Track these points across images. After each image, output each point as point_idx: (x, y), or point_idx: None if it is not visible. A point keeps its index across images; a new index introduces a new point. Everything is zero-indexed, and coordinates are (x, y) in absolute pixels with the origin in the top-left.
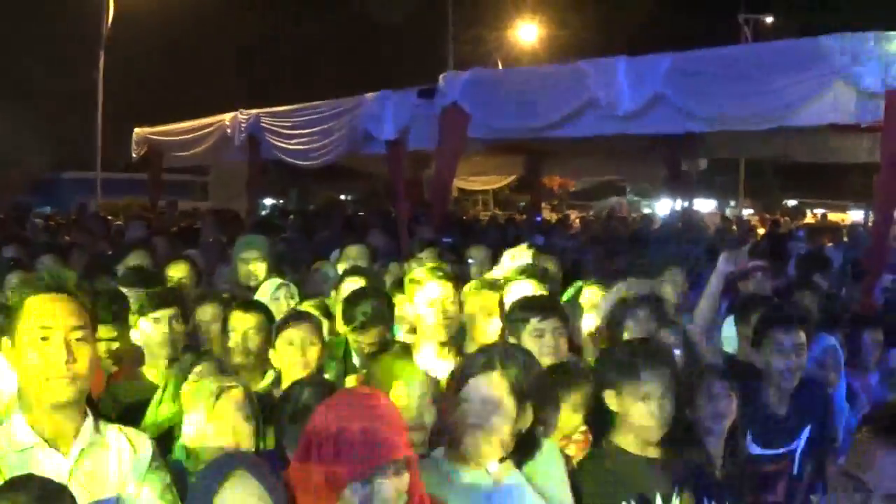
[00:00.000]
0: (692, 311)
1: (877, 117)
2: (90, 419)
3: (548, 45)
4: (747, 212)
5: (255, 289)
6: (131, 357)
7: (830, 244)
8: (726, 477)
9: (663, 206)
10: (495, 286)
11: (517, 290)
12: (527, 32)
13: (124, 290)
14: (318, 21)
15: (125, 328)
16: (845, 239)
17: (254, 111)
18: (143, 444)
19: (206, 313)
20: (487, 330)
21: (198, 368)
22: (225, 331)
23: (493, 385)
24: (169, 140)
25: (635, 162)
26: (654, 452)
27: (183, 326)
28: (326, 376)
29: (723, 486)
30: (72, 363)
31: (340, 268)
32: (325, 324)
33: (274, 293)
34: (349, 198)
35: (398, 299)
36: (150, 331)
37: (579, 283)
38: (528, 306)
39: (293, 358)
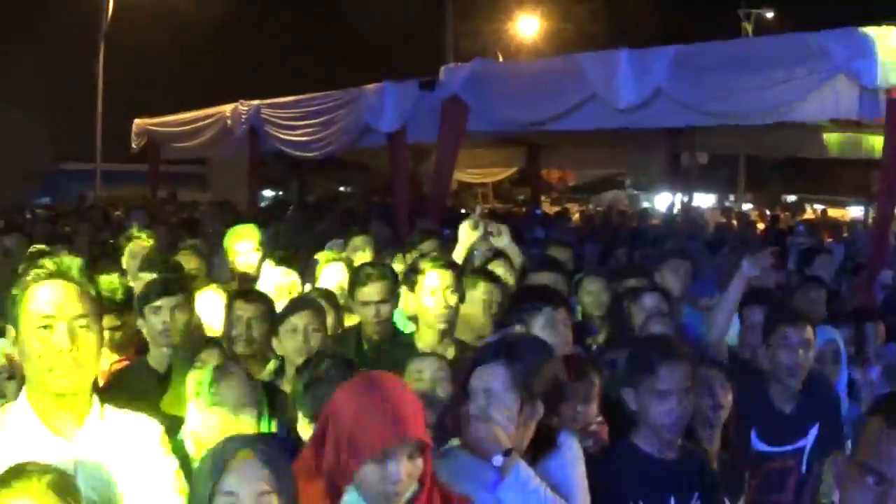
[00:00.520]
0: (693, 302)
1: (878, 113)
2: (97, 405)
3: (548, 39)
4: (747, 207)
5: (253, 278)
6: (134, 345)
7: (830, 240)
8: (721, 470)
9: (662, 201)
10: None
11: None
12: (527, 25)
13: (143, 275)
14: (319, 13)
15: (128, 316)
16: (845, 235)
17: (254, 102)
18: (150, 430)
19: (207, 302)
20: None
21: (202, 356)
22: (228, 320)
23: (497, 377)
24: (169, 131)
25: (635, 155)
26: (670, 454)
27: (186, 316)
28: None
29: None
30: (75, 352)
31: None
32: (332, 314)
33: (280, 280)
34: (348, 190)
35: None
36: (151, 319)
37: (578, 275)
38: (540, 296)
39: (296, 345)
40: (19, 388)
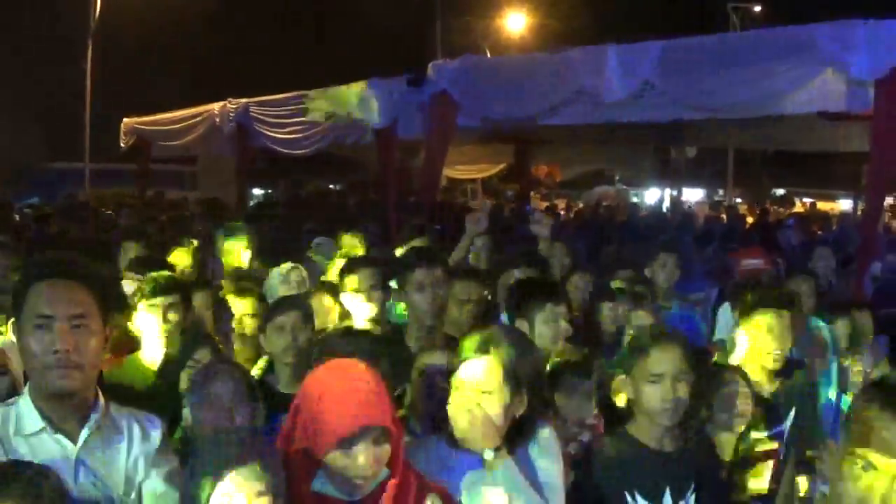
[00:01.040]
0: (683, 297)
1: (866, 106)
2: (100, 403)
3: (536, 34)
4: (736, 201)
5: (245, 275)
6: (126, 344)
7: (820, 232)
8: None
9: (651, 196)
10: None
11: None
12: (515, 21)
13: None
14: (308, 10)
15: (121, 315)
16: (834, 228)
17: (243, 100)
18: (153, 429)
19: (199, 300)
20: None
21: (196, 355)
22: (219, 317)
23: (487, 369)
24: (157, 130)
25: (624, 150)
26: (668, 446)
27: (178, 315)
28: None
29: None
30: (72, 353)
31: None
32: (336, 307)
33: (285, 277)
34: (337, 187)
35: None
36: (144, 318)
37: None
38: (543, 290)
39: (284, 343)
40: (11, 385)
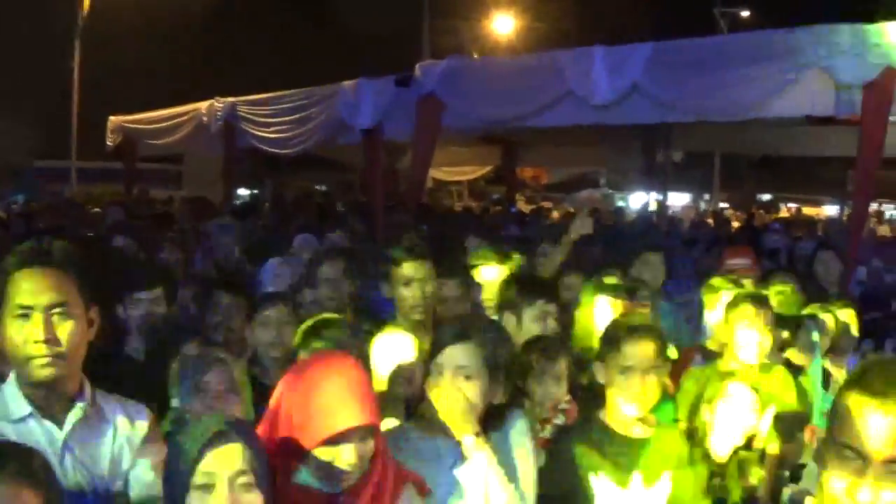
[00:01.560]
0: (669, 299)
1: (853, 110)
2: (87, 390)
3: (524, 37)
4: (722, 206)
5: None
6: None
7: (803, 237)
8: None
9: (637, 200)
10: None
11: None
12: (503, 24)
13: None
14: (295, 9)
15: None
16: (820, 233)
17: (230, 99)
18: (141, 418)
19: (187, 295)
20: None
21: (184, 348)
22: (206, 310)
23: (467, 355)
24: (144, 128)
25: (611, 153)
26: (639, 433)
27: (163, 308)
28: None
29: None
30: (53, 343)
31: None
32: None
33: (277, 271)
34: (323, 188)
35: None
36: (131, 311)
37: None
38: (533, 287)
39: (268, 338)
40: None
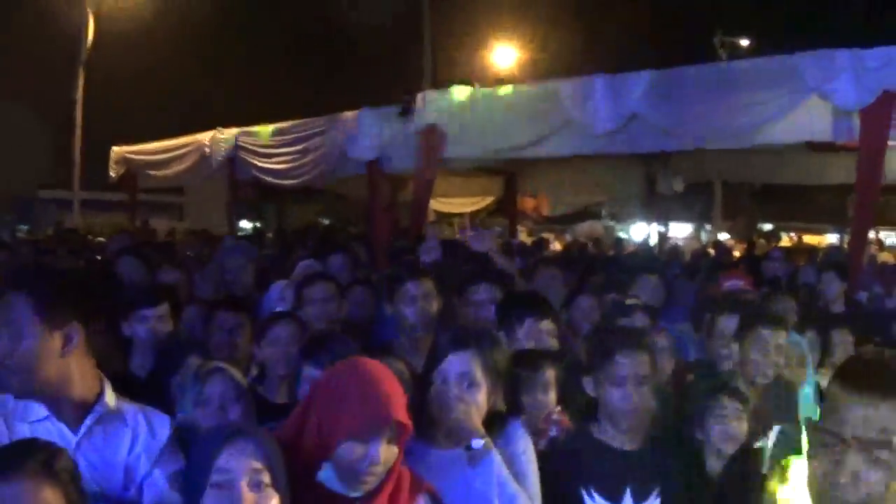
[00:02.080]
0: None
1: (852, 135)
2: (107, 396)
3: (525, 68)
4: (724, 236)
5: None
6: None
7: (804, 264)
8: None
9: (639, 231)
10: None
11: None
12: (504, 55)
13: None
14: (296, 40)
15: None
16: (819, 259)
17: (233, 130)
18: (162, 427)
19: (192, 314)
20: None
21: (187, 360)
22: (210, 329)
23: (469, 362)
24: (147, 159)
25: (613, 183)
26: (631, 445)
27: (168, 325)
28: None
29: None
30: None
31: None
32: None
33: (282, 293)
34: (325, 221)
35: None
36: (136, 327)
37: None
38: (524, 305)
39: (277, 356)
40: None
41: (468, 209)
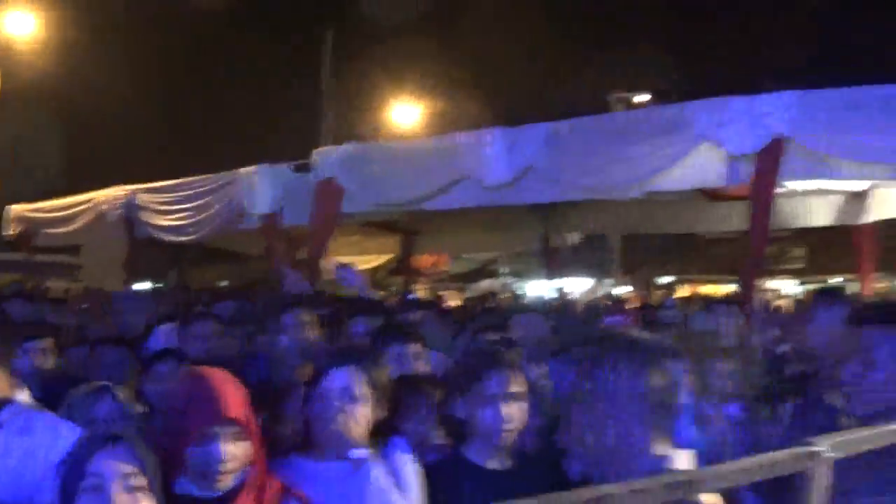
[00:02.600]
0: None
1: (744, 180)
2: (18, 404)
3: (428, 127)
4: (626, 289)
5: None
6: None
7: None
8: None
9: (536, 287)
10: None
11: None
12: (406, 114)
13: None
14: (195, 98)
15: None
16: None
17: (130, 187)
18: (70, 436)
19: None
20: None
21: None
22: (91, 363)
23: (351, 375)
24: (43, 217)
25: (507, 238)
26: (502, 464)
27: (51, 360)
28: None
29: None
30: None
31: None
32: None
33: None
34: (225, 284)
35: None
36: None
37: None
38: (391, 333)
39: (162, 391)
40: None
41: (366, 266)
